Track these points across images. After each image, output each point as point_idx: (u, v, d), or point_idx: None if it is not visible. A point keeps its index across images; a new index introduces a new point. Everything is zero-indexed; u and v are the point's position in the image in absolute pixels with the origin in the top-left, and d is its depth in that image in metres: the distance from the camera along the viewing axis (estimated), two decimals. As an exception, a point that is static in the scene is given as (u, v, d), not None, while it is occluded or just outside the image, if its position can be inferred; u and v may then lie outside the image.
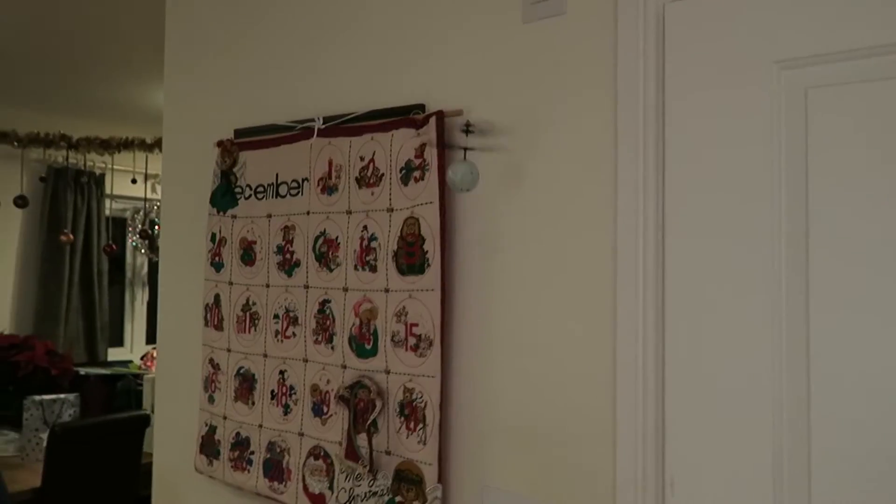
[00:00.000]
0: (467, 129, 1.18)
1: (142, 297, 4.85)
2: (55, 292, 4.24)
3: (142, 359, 3.64)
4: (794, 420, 0.90)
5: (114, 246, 3.45)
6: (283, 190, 1.51)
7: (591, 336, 1.09)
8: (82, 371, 3.32)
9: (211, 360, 1.63)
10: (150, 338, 4.74)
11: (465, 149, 1.18)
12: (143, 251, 4.31)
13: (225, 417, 1.58)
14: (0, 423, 3.10)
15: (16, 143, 3.28)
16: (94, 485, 2.67)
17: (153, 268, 4.80)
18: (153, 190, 4.40)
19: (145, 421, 2.79)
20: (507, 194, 1.20)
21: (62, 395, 3.03)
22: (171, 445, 1.83)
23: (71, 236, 3.66)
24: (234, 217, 1.60)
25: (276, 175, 1.52)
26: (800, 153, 0.87)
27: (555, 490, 1.11)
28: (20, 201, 2.92)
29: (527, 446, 1.15)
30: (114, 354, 4.55)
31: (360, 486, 1.31)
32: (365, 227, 1.34)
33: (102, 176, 4.52)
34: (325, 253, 1.41)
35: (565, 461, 1.10)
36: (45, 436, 2.89)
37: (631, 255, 1.02)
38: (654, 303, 1.00)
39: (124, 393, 3.21)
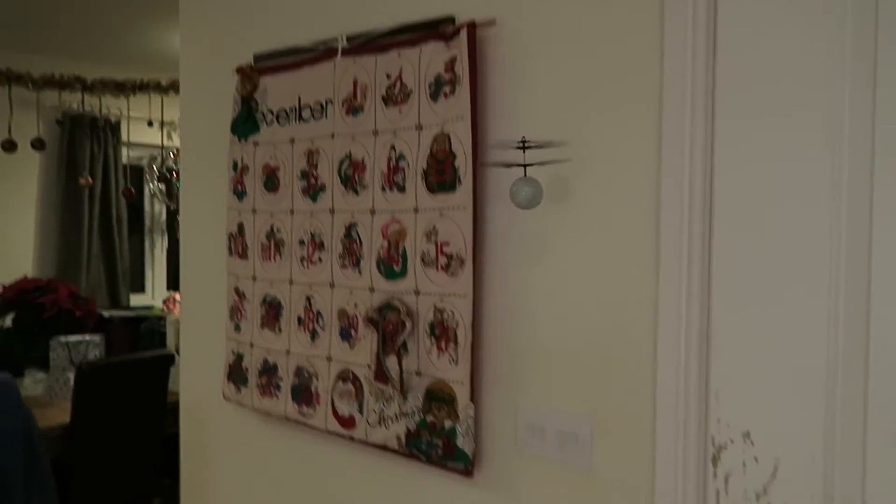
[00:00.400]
0: (524, 145, 1.08)
1: (161, 244, 4.87)
2: (76, 239, 4.27)
3: (164, 302, 3.67)
4: (851, 336, 0.87)
5: (132, 190, 3.44)
6: (305, 114, 1.47)
7: (633, 250, 1.05)
8: (106, 313, 3.36)
9: (236, 289, 1.62)
10: (171, 284, 4.78)
11: (525, 165, 1.08)
12: (160, 198, 4.31)
13: (252, 345, 1.58)
14: (28, 364, 3.16)
15: (30, 85, 3.24)
16: (121, 422, 2.72)
17: (172, 216, 4.81)
18: (169, 137, 4.38)
19: (170, 360, 2.83)
20: (541, 110, 1.15)
21: (87, 337, 3.06)
22: (198, 375, 1.84)
23: (90, 180, 3.66)
24: (255, 144, 1.57)
25: (299, 98, 1.48)
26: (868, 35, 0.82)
27: (592, 406, 1.09)
28: (37, 143, 2.90)
29: (562, 364, 1.13)
30: (136, 301, 4.60)
31: (390, 407, 1.31)
32: (392, 147, 1.30)
33: (118, 123, 4.50)
34: (351, 176, 1.38)
35: (603, 377, 1.08)
36: (72, 375, 2.94)
37: (677, 152, 0.97)
38: (700, 214, 0.96)
39: (148, 334, 3.24)
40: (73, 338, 3.03)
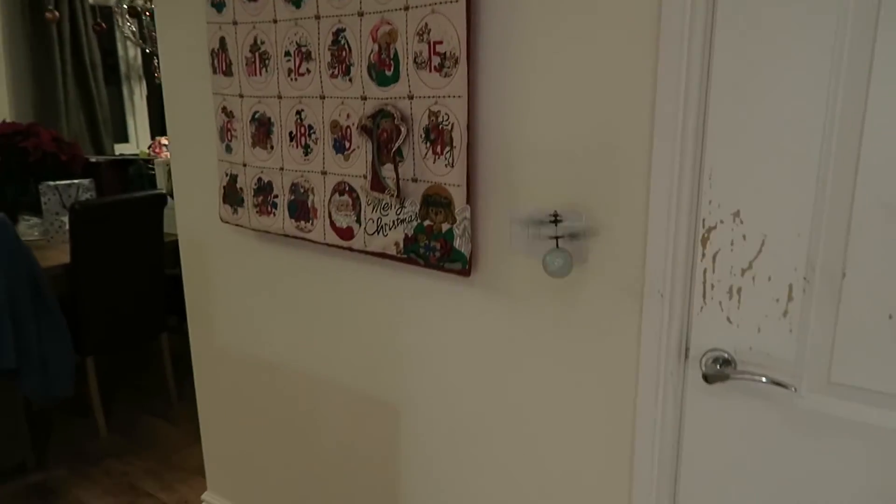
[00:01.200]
0: (556, 220, 1.14)
1: (140, 91, 4.71)
2: (51, 86, 4.11)
3: (149, 146, 3.62)
4: (847, 118, 0.87)
5: (102, 24, 3.25)
6: None
7: (631, 33, 1.02)
8: (93, 159, 3.31)
9: (224, 109, 1.58)
10: (155, 132, 4.68)
11: (557, 237, 1.13)
12: (134, 40, 4.09)
13: (245, 165, 1.57)
14: (20, 210, 3.15)
15: None
16: (121, 261, 2.77)
17: (147, 59, 4.60)
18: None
19: (163, 200, 2.83)
20: None
21: (76, 181, 3.04)
22: (193, 203, 1.85)
23: (56, 14, 3.44)
24: (231, -53, 1.46)
25: None
26: None
27: (587, 201, 1.11)
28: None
29: (558, 161, 1.14)
30: (120, 150, 4.53)
31: (387, 215, 1.33)
32: (379, -62, 1.21)
33: (78, -44, 4.17)
34: (336, -24, 1.30)
35: (599, 169, 1.09)
36: (65, 219, 2.95)
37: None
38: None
39: (137, 177, 3.22)
40: (62, 182, 3.01)
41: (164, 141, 3.48)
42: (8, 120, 4.04)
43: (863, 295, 0.89)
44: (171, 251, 3.12)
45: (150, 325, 2.96)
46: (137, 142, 4.72)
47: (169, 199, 2.98)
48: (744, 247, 0.96)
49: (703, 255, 1.00)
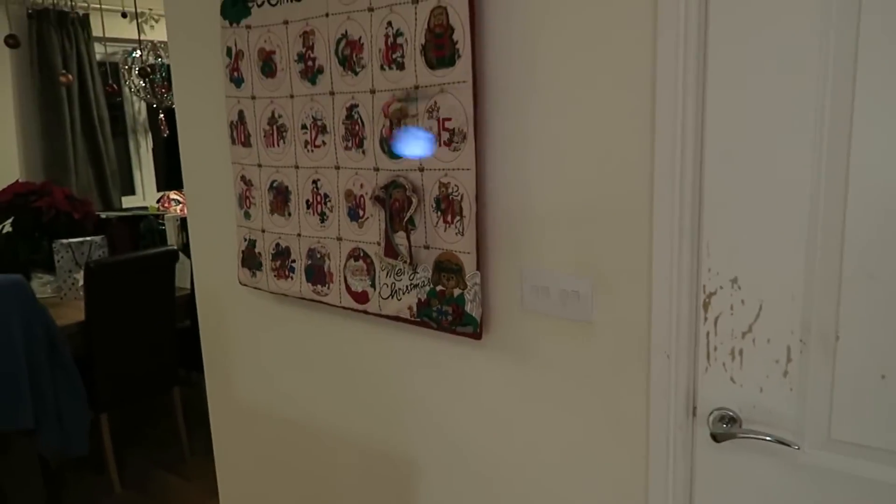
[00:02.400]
0: None
1: (146, 144, 4.82)
2: (60, 142, 4.22)
3: (158, 201, 3.70)
4: (831, 190, 0.94)
5: (115, 86, 3.36)
6: (297, -6, 1.45)
7: (628, 110, 1.09)
8: (103, 215, 3.39)
9: (243, 178, 1.66)
10: (161, 184, 4.78)
11: None
12: (141, 96, 4.21)
13: (263, 231, 1.64)
14: (33, 268, 3.22)
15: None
16: (134, 317, 2.82)
17: (153, 114, 4.72)
18: (141, 30, 4.22)
19: (174, 256, 2.89)
20: (538, -25, 1.15)
21: (89, 238, 3.11)
22: (211, 265, 1.91)
23: (70, 77, 3.56)
24: (248, 27, 1.55)
25: (289, -22, 1.45)
26: None
27: (593, 265, 1.18)
28: (11, 41, 2.79)
29: (563, 228, 1.20)
30: (127, 203, 4.62)
31: (401, 280, 1.39)
32: (389, 24, 1.30)
33: (87, 17, 4.32)
34: (349, 56, 1.38)
35: (602, 237, 1.15)
36: (79, 276, 3.01)
37: (671, 42, 1.00)
38: (695, 70, 1.00)
39: (148, 233, 3.29)
40: (75, 240, 3.08)
41: (173, 196, 3.56)
42: (20, 177, 4.15)
43: (856, 356, 0.95)
44: (180, 305, 3.18)
45: (162, 380, 3.00)
46: (144, 194, 4.82)
47: (180, 253, 3.05)
48: (743, 311, 1.02)
49: (706, 318, 1.06)
